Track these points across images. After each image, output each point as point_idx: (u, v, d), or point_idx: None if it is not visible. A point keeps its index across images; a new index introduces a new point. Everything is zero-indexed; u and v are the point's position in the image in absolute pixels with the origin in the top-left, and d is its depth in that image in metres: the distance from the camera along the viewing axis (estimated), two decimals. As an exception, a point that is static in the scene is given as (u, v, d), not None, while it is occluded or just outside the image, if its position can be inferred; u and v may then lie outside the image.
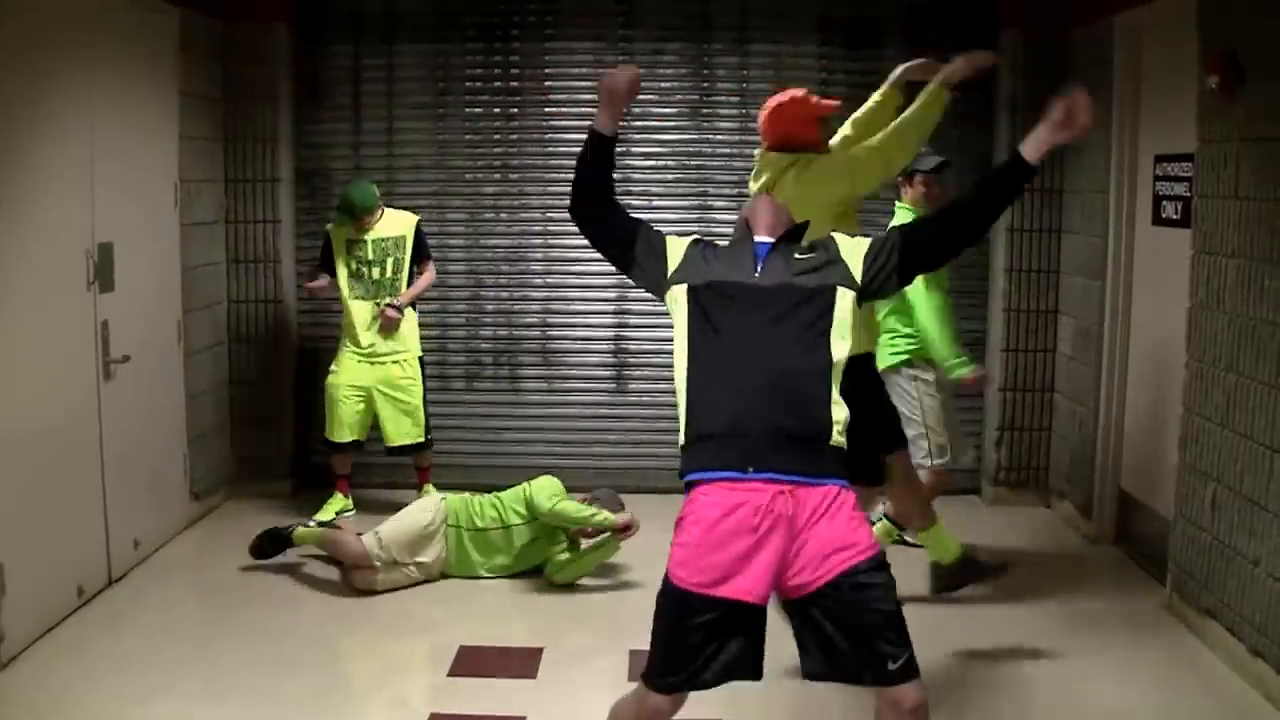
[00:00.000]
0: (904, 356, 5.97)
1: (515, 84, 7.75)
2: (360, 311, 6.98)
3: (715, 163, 7.78)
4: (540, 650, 5.34)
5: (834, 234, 3.75)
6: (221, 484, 7.48)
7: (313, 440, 7.70)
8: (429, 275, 7.17)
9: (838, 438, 3.41)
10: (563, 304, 7.89)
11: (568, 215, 3.99)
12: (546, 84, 7.76)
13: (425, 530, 6.06)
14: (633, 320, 7.81)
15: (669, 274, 3.68)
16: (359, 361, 7.03)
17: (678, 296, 3.63)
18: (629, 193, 7.72)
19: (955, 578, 5.69)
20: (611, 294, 7.82)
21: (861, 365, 4.97)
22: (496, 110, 7.78)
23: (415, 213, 7.21)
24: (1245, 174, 5.05)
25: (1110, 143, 6.63)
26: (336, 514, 7.14)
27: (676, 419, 3.61)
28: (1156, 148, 6.28)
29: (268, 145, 7.51)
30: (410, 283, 7.06)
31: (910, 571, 6.13)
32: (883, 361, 5.96)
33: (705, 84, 7.77)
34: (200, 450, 7.14)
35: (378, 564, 5.93)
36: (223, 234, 7.50)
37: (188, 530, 6.94)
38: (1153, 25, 6.31)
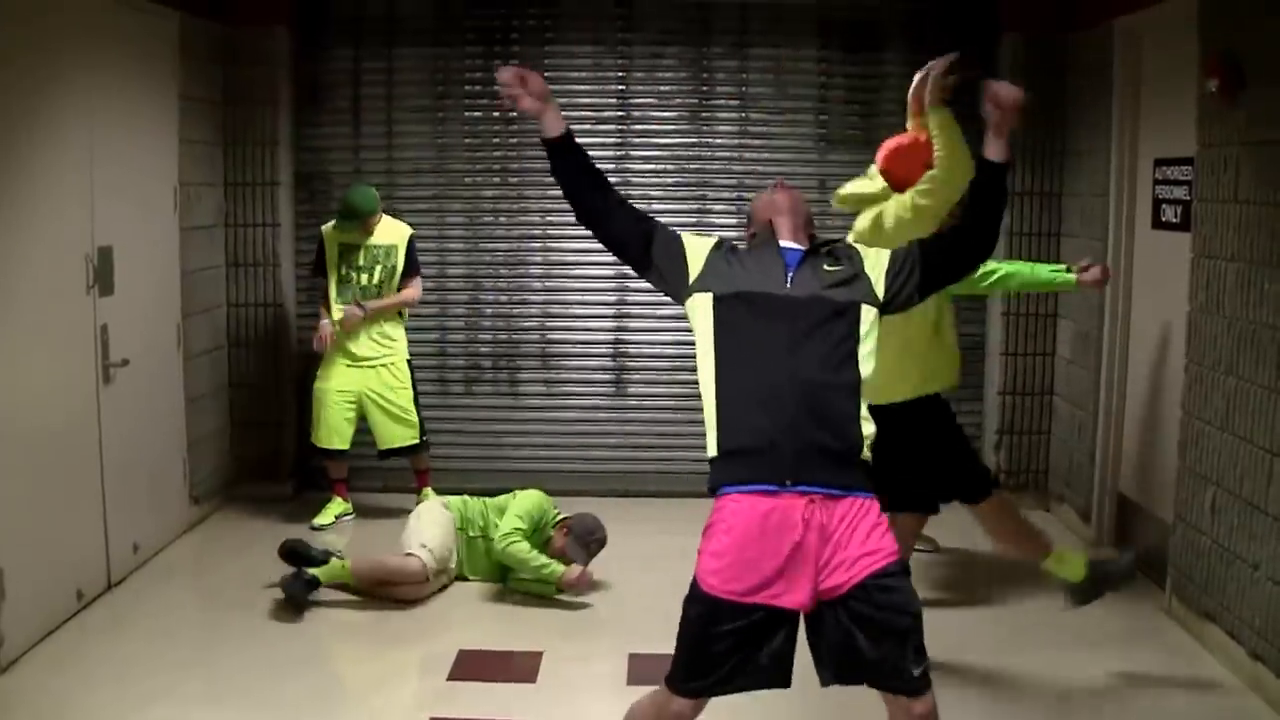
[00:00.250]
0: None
1: (515, 88, 7.74)
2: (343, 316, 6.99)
3: (714, 166, 7.78)
4: (540, 654, 5.33)
5: (856, 244, 3.74)
6: (221, 488, 7.47)
7: (313, 444, 7.71)
8: (411, 292, 7.12)
9: (866, 453, 3.42)
10: (562, 307, 7.89)
11: (567, 218, 3.96)
12: (547, 87, 7.74)
13: (453, 534, 6.08)
14: (632, 324, 7.81)
15: (690, 280, 3.60)
16: (347, 367, 7.03)
17: (701, 304, 3.54)
18: (629, 196, 7.63)
19: (1093, 591, 5.38)
20: (611, 297, 7.82)
21: (916, 408, 5.12)
22: (496, 114, 7.77)
23: (415, 216, 7.23)
24: (1245, 178, 5.04)
25: (1110, 146, 6.63)
26: (336, 517, 7.15)
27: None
28: (1156, 151, 6.28)
29: (267, 149, 7.51)
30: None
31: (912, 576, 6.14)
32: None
33: (705, 88, 7.77)
34: (200, 454, 7.13)
35: (430, 576, 5.87)
36: (222, 238, 7.50)
37: (187, 534, 6.93)
38: (1153, 29, 6.31)
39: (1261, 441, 4.89)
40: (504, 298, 7.91)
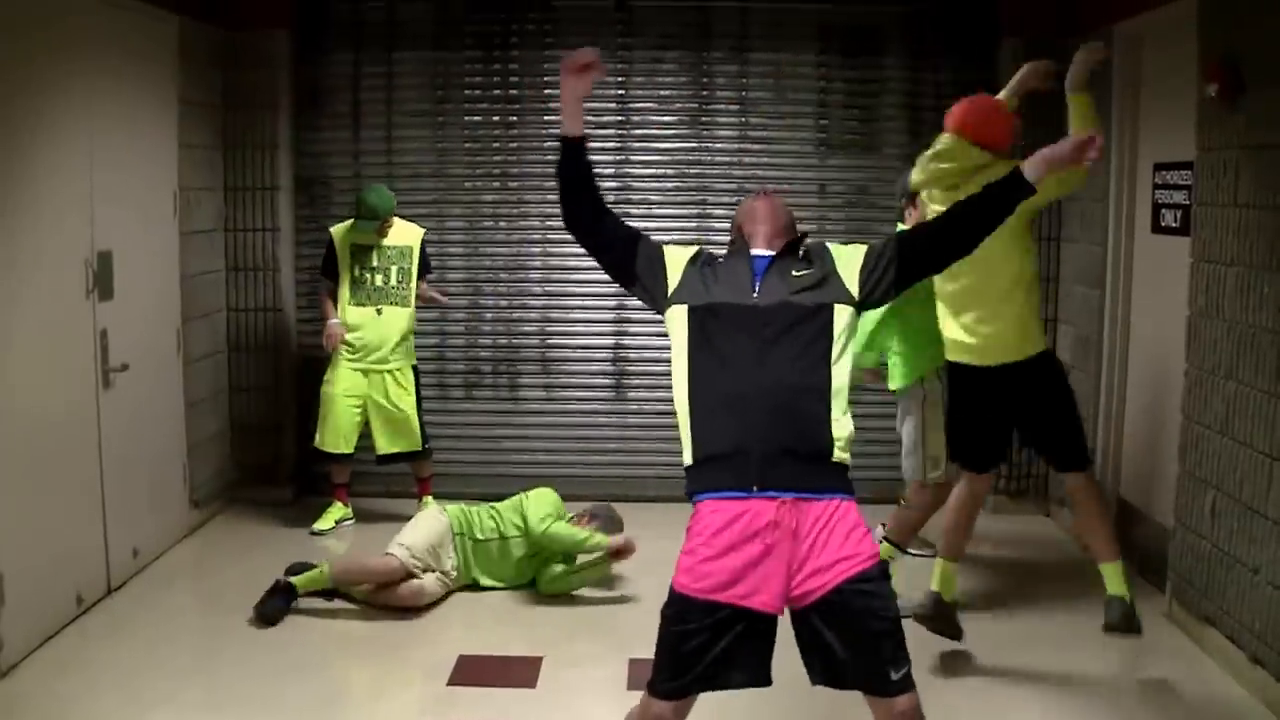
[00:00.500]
0: (907, 380, 5.96)
1: (514, 92, 7.75)
2: (356, 318, 6.98)
3: (714, 171, 7.79)
4: (540, 659, 5.33)
5: (828, 244, 3.74)
6: (221, 492, 7.47)
7: (313, 448, 7.71)
8: (426, 289, 7.18)
9: (839, 454, 3.43)
10: (562, 312, 7.90)
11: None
12: (546, 92, 7.76)
13: (442, 537, 6.02)
14: (632, 328, 7.81)
15: (669, 293, 3.65)
16: (354, 370, 7.02)
17: (677, 316, 3.60)
18: (629, 200, 7.73)
19: (1132, 619, 5.34)
20: (610, 302, 7.82)
21: (1042, 362, 5.26)
22: (496, 118, 7.79)
23: (415, 220, 7.23)
24: (1245, 182, 5.05)
25: (1110, 150, 6.63)
26: (336, 522, 7.14)
27: (676, 427, 3.61)
28: (1156, 155, 6.28)
29: (267, 153, 7.51)
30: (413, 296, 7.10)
31: (911, 580, 6.15)
32: (894, 383, 5.99)
33: (705, 92, 7.77)
34: (200, 458, 7.13)
35: (419, 573, 5.84)
36: (222, 242, 7.51)
37: (187, 539, 6.93)
38: (1152, 33, 6.31)
39: (1261, 446, 4.88)
40: (504, 302, 7.91)
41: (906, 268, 3.60)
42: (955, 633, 5.36)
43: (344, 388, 7.03)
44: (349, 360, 7.03)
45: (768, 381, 3.41)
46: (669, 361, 3.65)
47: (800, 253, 3.70)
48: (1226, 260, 5.18)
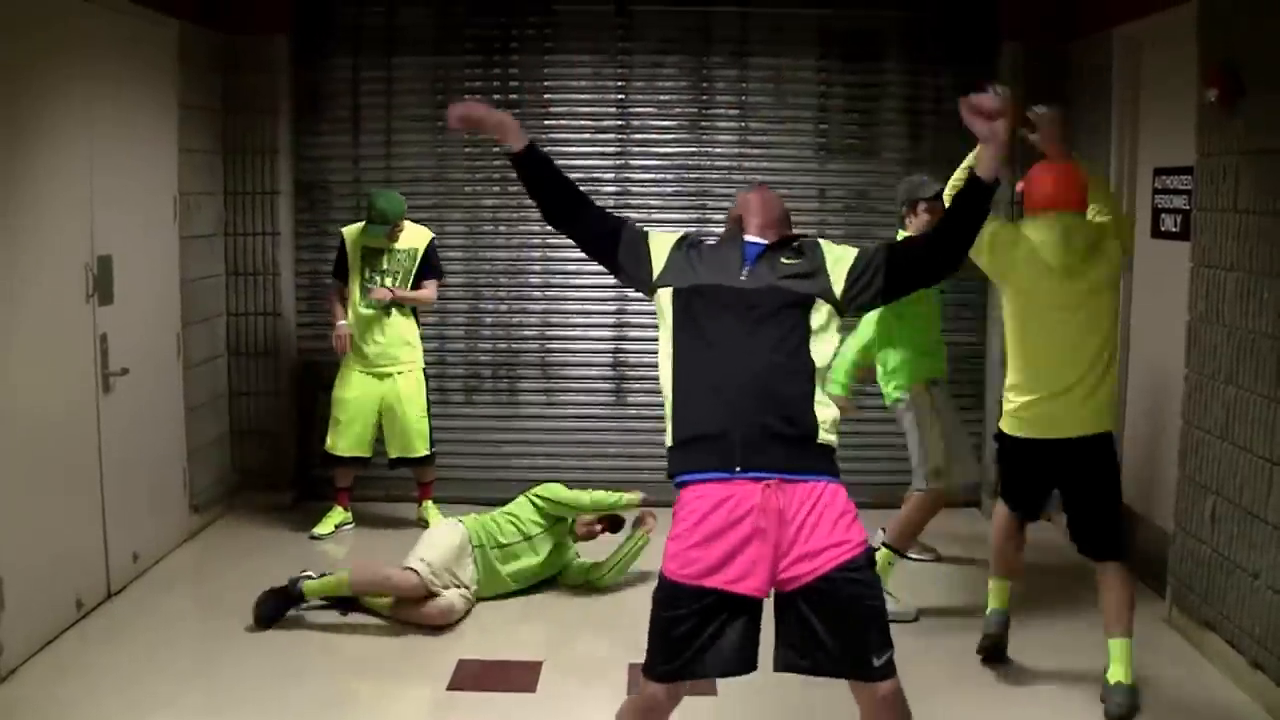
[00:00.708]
0: (900, 391, 5.95)
1: (514, 96, 7.75)
2: (365, 321, 6.98)
3: (714, 175, 7.79)
4: (540, 663, 5.33)
5: (820, 240, 3.75)
6: (221, 496, 7.47)
7: (313, 453, 7.71)
8: (429, 292, 7.12)
9: (825, 435, 3.44)
10: (561, 316, 7.90)
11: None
12: (546, 96, 7.77)
13: (460, 551, 5.92)
14: (632, 332, 7.81)
15: (654, 276, 3.69)
16: (363, 374, 7.02)
17: (663, 299, 3.64)
18: (628, 205, 7.73)
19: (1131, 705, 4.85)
20: (610, 306, 7.82)
21: (1105, 444, 4.99)
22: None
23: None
24: (1245, 187, 5.05)
25: (1109, 155, 6.64)
26: (336, 527, 7.14)
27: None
28: (1156, 160, 6.29)
29: (267, 157, 7.52)
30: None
31: (911, 583, 6.14)
32: (888, 398, 5.98)
33: (704, 97, 7.78)
34: (199, 463, 7.13)
35: (439, 590, 5.73)
36: (222, 246, 7.51)
37: (187, 543, 6.92)
38: (1152, 37, 6.32)
39: (1261, 450, 4.88)
40: (504, 307, 7.92)
41: (895, 276, 3.60)
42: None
43: (354, 392, 7.02)
44: (358, 364, 7.02)
45: (752, 362, 3.43)
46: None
47: (796, 246, 3.72)
48: (1226, 265, 5.18)
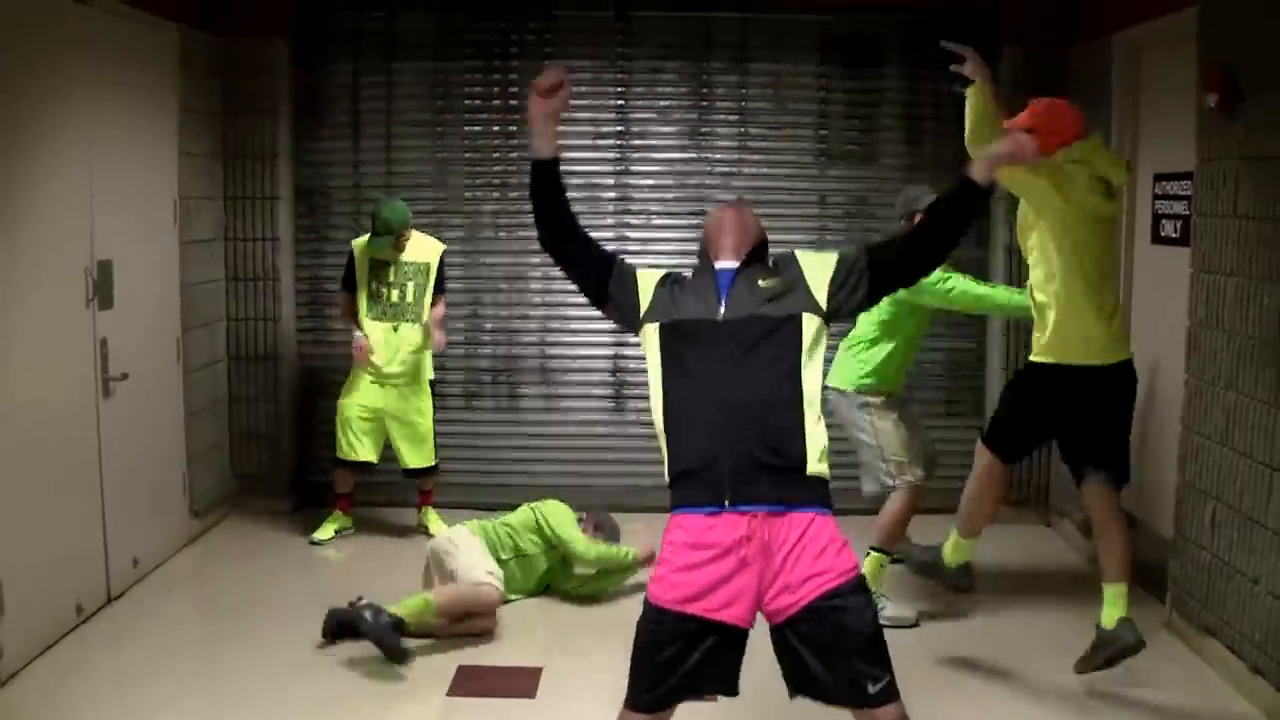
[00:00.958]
0: (857, 384, 5.92)
1: (514, 102, 7.74)
2: (375, 332, 6.97)
3: (714, 181, 7.79)
4: (539, 670, 5.33)
5: (796, 252, 3.73)
6: (221, 501, 7.47)
7: (312, 458, 7.70)
8: (441, 310, 7.14)
9: (815, 466, 3.41)
10: (561, 322, 7.89)
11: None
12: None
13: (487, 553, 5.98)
14: (632, 338, 7.71)
15: (641, 313, 3.67)
16: (370, 383, 7.01)
17: (649, 336, 3.62)
18: (628, 210, 7.73)
19: (1109, 648, 5.02)
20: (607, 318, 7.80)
21: (1123, 371, 4.96)
22: (495, 128, 7.78)
23: (415, 229, 7.21)
24: (1244, 192, 5.05)
25: (1109, 161, 6.64)
26: (336, 532, 7.14)
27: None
28: (1156, 166, 6.29)
29: (267, 162, 7.52)
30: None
31: (907, 586, 6.14)
32: (844, 381, 5.95)
33: (704, 102, 7.78)
34: (199, 468, 7.13)
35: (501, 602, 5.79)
36: (222, 251, 7.51)
37: (187, 548, 6.92)
38: (1152, 43, 6.32)
39: (1261, 456, 4.88)
40: (504, 312, 7.91)
41: (879, 279, 3.59)
42: (957, 583, 5.35)
43: (358, 399, 7.02)
44: (367, 373, 7.02)
45: (738, 396, 3.41)
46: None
47: (770, 263, 3.72)
48: (1226, 271, 5.19)
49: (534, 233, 7.13)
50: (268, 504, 7.60)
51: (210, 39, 7.22)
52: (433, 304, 7.06)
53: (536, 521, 6.12)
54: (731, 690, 3.42)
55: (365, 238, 7.02)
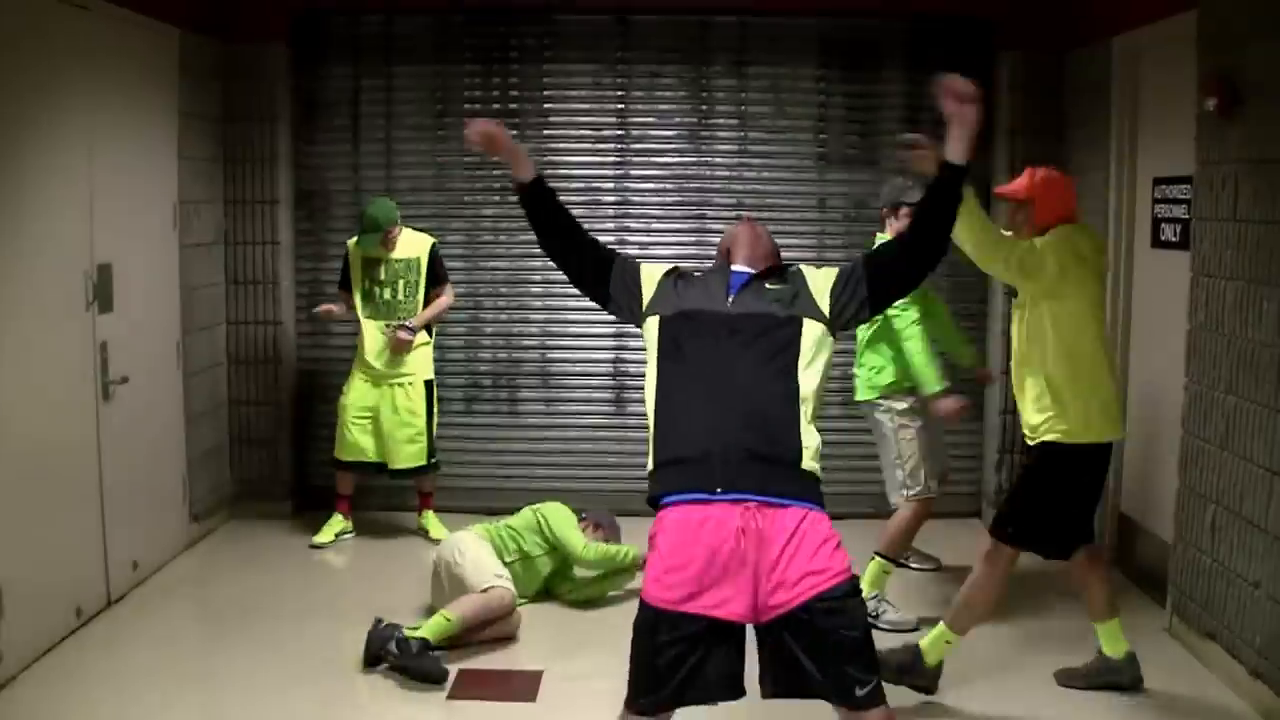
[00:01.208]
0: (878, 391, 5.93)
1: (514, 106, 7.76)
2: (370, 331, 6.98)
3: (714, 185, 7.79)
4: (540, 673, 5.33)
5: (802, 266, 3.77)
6: (221, 505, 7.47)
7: (312, 461, 7.70)
8: (445, 299, 7.15)
9: (809, 463, 3.41)
10: (562, 326, 7.89)
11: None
12: (545, 106, 7.78)
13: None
14: (632, 342, 7.80)
15: (644, 306, 3.71)
16: (365, 382, 7.02)
17: (651, 328, 3.65)
18: (628, 215, 7.73)
19: (1115, 675, 5.10)
20: (610, 315, 7.79)
21: (1075, 452, 4.89)
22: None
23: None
24: (1244, 196, 5.05)
25: (1109, 165, 6.64)
26: (336, 535, 7.13)
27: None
28: (1155, 170, 6.29)
29: (267, 166, 7.52)
30: (426, 306, 7.07)
31: (912, 591, 6.14)
32: (860, 394, 5.98)
33: (704, 106, 7.78)
34: (199, 471, 7.13)
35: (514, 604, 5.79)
36: (222, 255, 7.51)
37: (187, 551, 6.92)
38: (1151, 47, 6.32)
39: (1261, 460, 4.89)
40: (504, 316, 7.91)
41: (878, 283, 3.61)
42: (928, 684, 5.02)
43: (354, 399, 7.03)
44: (364, 372, 7.03)
45: (736, 386, 3.42)
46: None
47: (779, 273, 3.75)
48: (1226, 275, 5.19)
49: (534, 236, 7.16)
50: (268, 507, 7.59)
51: (210, 43, 7.22)
52: (437, 295, 7.08)
53: (538, 523, 6.12)
54: (738, 691, 3.38)
55: (356, 237, 7.05)
